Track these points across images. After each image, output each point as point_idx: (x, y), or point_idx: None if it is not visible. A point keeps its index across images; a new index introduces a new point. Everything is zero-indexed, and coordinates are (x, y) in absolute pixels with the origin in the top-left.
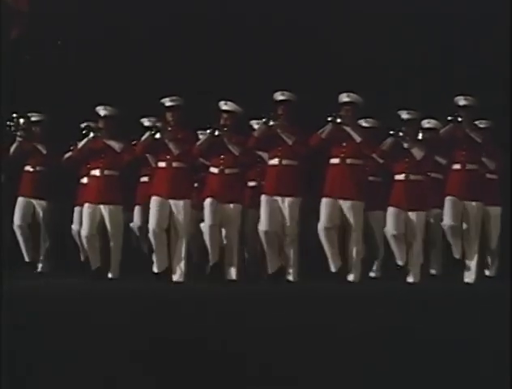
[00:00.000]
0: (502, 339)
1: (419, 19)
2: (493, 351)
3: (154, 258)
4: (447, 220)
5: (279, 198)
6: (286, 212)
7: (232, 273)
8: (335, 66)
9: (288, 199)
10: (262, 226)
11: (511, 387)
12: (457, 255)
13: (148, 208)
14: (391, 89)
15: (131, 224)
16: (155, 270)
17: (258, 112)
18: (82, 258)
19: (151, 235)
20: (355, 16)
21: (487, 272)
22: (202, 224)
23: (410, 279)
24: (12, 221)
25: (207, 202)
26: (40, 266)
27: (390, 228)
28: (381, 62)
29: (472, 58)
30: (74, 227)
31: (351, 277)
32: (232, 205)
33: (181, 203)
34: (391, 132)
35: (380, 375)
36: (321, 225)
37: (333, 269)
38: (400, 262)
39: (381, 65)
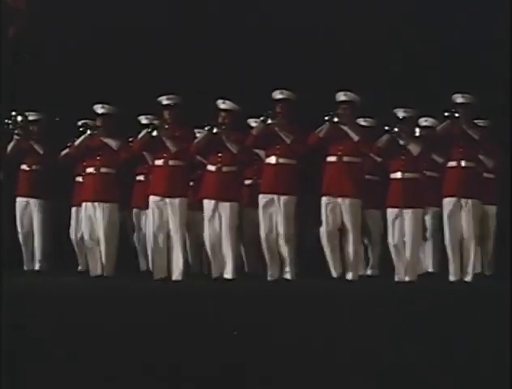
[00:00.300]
0: (501, 337)
1: (419, 19)
2: (492, 350)
3: (152, 265)
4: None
5: (275, 197)
6: (281, 211)
7: (228, 272)
8: (335, 66)
9: (283, 198)
10: (263, 232)
11: (511, 387)
12: (452, 277)
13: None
14: (391, 88)
15: (134, 238)
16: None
17: (257, 110)
18: (80, 267)
19: (149, 238)
20: (355, 16)
21: (481, 271)
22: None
23: (406, 278)
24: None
25: (206, 207)
26: (38, 265)
27: (390, 239)
28: (381, 62)
29: (472, 58)
30: (73, 234)
31: (349, 276)
32: (228, 203)
33: (176, 201)
34: (386, 128)
35: (378, 374)
36: (324, 229)
37: (334, 275)
38: (397, 278)
39: (381, 64)
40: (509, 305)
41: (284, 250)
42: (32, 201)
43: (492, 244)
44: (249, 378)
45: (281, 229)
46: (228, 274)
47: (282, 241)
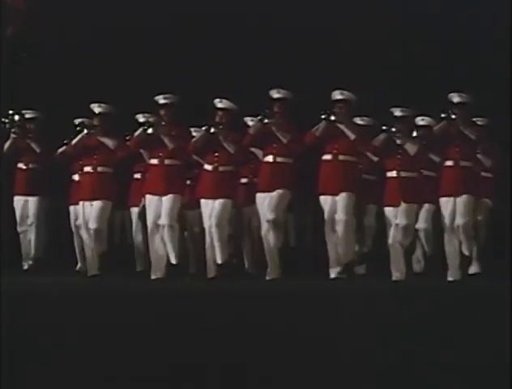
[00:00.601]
0: (500, 338)
1: (419, 19)
2: (492, 350)
3: (149, 264)
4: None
5: (272, 194)
6: (273, 200)
7: (219, 258)
8: (334, 66)
9: (278, 190)
10: (262, 231)
11: (511, 387)
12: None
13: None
14: (390, 88)
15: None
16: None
17: (256, 110)
18: (79, 265)
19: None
20: (355, 16)
21: (475, 269)
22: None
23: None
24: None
25: (204, 207)
26: (34, 262)
27: (390, 239)
28: (380, 62)
29: (472, 58)
30: (74, 230)
31: (337, 270)
32: (223, 200)
33: (170, 196)
34: (384, 128)
35: (378, 374)
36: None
37: (332, 273)
38: (394, 278)
39: (380, 64)
40: (509, 305)
41: (271, 239)
42: (30, 199)
43: (489, 241)
44: (248, 378)
45: (270, 215)
46: (219, 260)
47: (270, 230)
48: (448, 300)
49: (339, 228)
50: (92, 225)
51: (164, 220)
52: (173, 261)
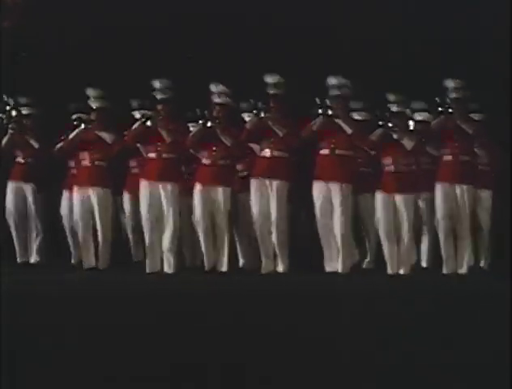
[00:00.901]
0: (500, 338)
1: (419, 18)
2: (492, 350)
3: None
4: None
5: (267, 181)
6: (274, 195)
7: (223, 264)
8: (334, 66)
9: (275, 182)
10: (255, 217)
11: (511, 387)
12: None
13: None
14: (391, 89)
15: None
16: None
17: (254, 107)
18: (73, 260)
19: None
20: (355, 16)
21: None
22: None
23: (401, 271)
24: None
25: (198, 194)
26: (33, 258)
27: (381, 228)
28: (381, 62)
29: (472, 58)
30: (66, 224)
31: (339, 263)
32: (221, 188)
33: (168, 186)
34: (380, 123)
35: (378, 373)
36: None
37: (327, 266)
38: (390, 270)
39: (381, 64)
40: (509, 305)
41: (276, 239)
42: (28, 195)
43: (488, 235)
44: (248, 378)
45: (273, 214)
46: (223, 267)
47: (274, 228)
48: (448, 300)
49: (337, 229)
50: (97, 217)
51: (166, 230)
52: (169, 270)
